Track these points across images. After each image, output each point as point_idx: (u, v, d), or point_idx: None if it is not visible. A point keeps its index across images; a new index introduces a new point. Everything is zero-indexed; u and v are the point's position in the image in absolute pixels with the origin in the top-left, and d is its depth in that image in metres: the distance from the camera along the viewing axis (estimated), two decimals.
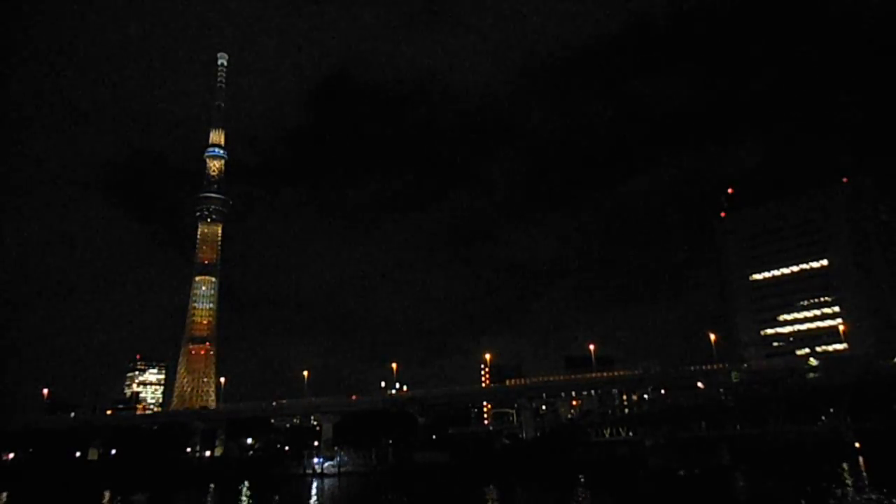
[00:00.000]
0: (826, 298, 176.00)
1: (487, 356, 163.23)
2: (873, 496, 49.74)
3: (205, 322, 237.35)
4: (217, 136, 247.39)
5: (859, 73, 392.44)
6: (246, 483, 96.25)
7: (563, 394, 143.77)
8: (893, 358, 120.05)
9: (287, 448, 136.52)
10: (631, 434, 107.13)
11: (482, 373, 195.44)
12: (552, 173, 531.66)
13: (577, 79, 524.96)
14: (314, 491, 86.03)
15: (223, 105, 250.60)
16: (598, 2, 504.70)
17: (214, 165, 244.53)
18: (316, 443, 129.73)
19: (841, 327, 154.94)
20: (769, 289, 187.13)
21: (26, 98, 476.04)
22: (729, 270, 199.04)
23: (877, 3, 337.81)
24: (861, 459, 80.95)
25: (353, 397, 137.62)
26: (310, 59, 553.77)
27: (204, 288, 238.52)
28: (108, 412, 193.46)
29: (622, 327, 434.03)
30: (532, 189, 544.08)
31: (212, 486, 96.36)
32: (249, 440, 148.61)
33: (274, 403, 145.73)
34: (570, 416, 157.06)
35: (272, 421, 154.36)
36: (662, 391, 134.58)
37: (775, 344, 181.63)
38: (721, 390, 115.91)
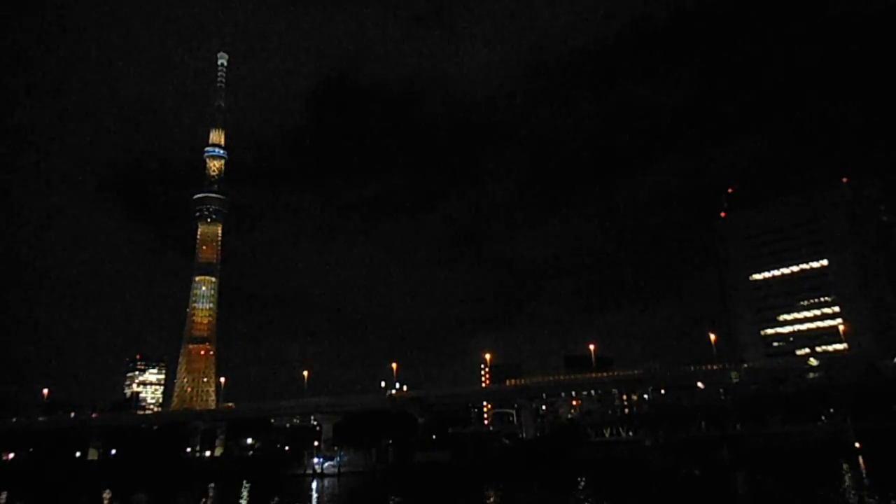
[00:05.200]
0: (826, 298, 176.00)
1: (487, 356, 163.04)
2: (873, 496, 49.72)
3: (205, 322, 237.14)
4: (217, 136, 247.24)
5: (859, 74, 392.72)
6: (246, 483, 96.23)
7: (563, 394, 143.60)
8: (893, 358, 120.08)
9: (287, 448, 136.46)
10: (631, 434, 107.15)
11: (482, 373, 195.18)
12: (552, 173, 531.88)
13: (578, 79, 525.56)
14: (314, 491, 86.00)
15: (223, 105, 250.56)
16: (598, 3, 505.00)
17: (214, 165, 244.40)
18: (316, 443, 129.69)
19: (841, 327, 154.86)
20: (769, 289, 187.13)
21: (27, 98, 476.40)
22: (729, 270, 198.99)
23: (877, 3, 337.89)
24: (861, 459, 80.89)
25: (353, 397, 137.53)
26: (310, 59, 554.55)
27: (204, 288, 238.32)
28: (108, 412, 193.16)
29: (622, 327, 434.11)
30: (532, 189, 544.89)
31: (212, 486, 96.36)
32: (249, 440, 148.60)
33: (274, 403, 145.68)
34: (570, 416, 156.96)
35: (272, 421, 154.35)
36: (662, 391, 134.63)
37: (775, 344, 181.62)
38: (721, 390, 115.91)
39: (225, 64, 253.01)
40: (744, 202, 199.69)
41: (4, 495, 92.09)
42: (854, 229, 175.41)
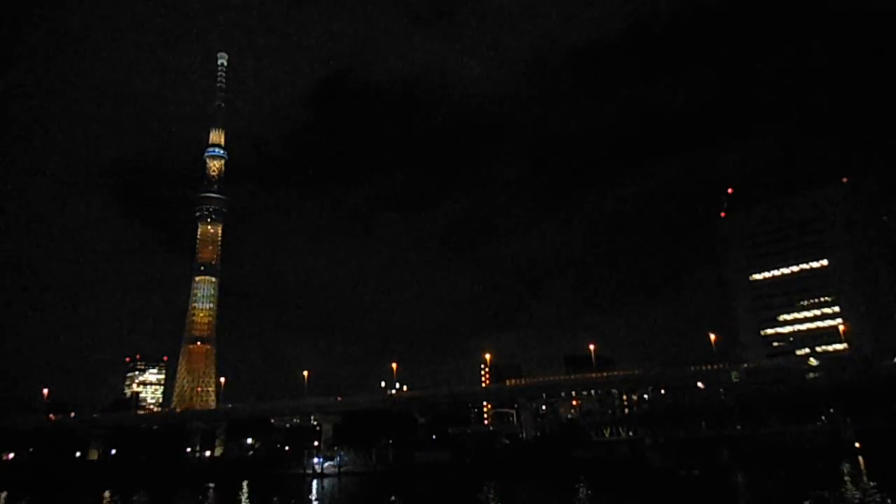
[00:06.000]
0: (826, 298, 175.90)
1: (487, 356, 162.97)
2: (873, 496, 49.72)
3: (205, 322, 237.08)
4: (217, 136, 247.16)
5: (860, 74, 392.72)
6: (246, 483, 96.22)
7: (563, 394, 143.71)
8: (893, 358, 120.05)
9: (287, 448, 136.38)
10: (631, 434, 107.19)
11: (482, 373, 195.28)
12: (552, 173, 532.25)
13: (578, 79, 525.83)
14: (314, 491, 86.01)
15: (223, 105, 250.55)
16: (599, 2, 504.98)
17: (214, 165, 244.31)
18: (316, 443, 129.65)
19: (841, 327, 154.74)
20: (769, 289, 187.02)
21: (27, 98, 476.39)
22: (729, 270, 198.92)
23: (878, 4, 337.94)
24: (861, 459, 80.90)
25: (353, 397, 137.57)
26: (310, 59, 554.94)
27: (204, 288, 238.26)
28: (108, 412, 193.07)
29: (622, 327, 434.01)
30: (532, 189, 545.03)
31: (212, 486, 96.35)
32: (249, 440, 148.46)
33: (274, 403, 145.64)
34: (570, 416, 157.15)
35: (272, 421, 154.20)
36: (662, 391, 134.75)
37: (775, 344, 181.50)
38: (721, 390, 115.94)
39: (225, 64, 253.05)
40: (744, 202, 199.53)
41: (4, 495, 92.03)
42: (854, 229, 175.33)
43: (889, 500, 46.47)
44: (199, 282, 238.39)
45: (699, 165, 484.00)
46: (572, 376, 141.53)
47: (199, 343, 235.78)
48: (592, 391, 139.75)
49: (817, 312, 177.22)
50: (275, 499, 75.77)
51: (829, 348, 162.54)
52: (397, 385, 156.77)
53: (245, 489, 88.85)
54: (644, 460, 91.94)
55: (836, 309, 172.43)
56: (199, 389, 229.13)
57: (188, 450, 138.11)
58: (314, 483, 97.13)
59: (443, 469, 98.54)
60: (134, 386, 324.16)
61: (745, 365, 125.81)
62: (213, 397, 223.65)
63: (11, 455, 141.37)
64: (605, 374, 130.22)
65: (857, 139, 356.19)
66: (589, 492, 66.16)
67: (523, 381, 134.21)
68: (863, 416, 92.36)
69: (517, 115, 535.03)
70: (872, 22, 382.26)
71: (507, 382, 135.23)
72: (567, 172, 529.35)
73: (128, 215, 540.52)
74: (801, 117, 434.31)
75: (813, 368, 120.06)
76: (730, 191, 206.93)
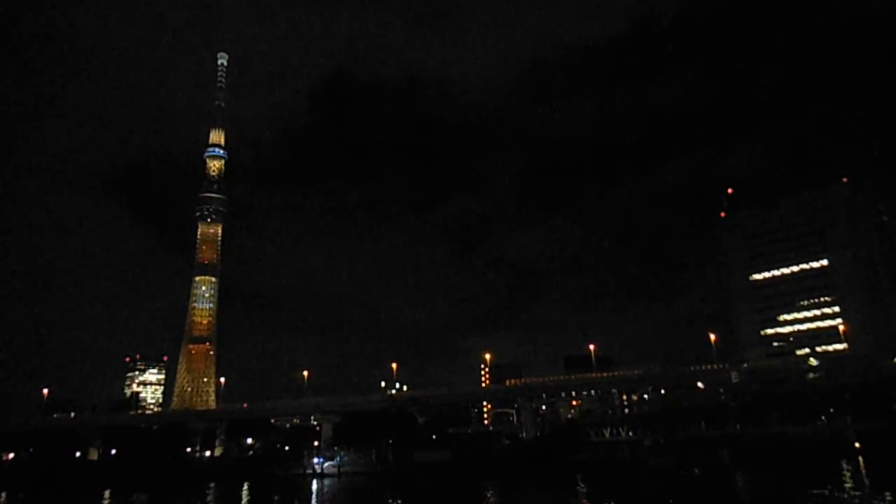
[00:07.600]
0: (826, 298, 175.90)
1: (487, 356, 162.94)
2: (873, 496, 49.73)
3: (205, 322, 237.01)
4: (217, 136, 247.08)
5: (860, 74, 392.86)
6: (246, 483, 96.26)
7: (563, 394, 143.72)
8: (893, 358, 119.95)
9: (287, 448, 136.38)
10: (631, 434, 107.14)
11: (482, 373, 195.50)
12: (553, 173, 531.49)
13: (578, 79, 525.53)
14: (314, 491, 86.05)
15: (223, 105, 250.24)
16: (599, 2, 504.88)
17: (214, 165, 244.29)
18: (316, 443, 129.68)
19: (841, 327, 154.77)
20: (769, 289, 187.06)
21: (27, 99, 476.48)
22: (729, 270, 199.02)
23: (878, 4, 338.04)
24: (861, 459, 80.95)
25: (353, 397, 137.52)
26: (310, 59, 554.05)
27: (204, 288, 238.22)
28: (108, 412, 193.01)
29: (622, 327, 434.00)
30: (532, 189, 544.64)
31: (212, 486, 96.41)
32: (249, 440, 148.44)
33: (274, 403, 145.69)
34: (570, 416, 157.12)
35: (272, 421, 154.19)
36: (662, 391, 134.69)
37: (775, 344, 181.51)
38: (721, 390, 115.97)
39: (225, 64, 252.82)
40: (744, 202, 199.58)
41: (4, 495, 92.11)
42: (854, 229, 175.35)
43: (889, 501, 46.49)
44: (199, 282, 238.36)
45: (699, 165, 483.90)
46: (572, 376, 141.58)
47: (199, 343, 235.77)
48: (592, 391, 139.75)
49: (817, 312, 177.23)
50: (275, 499, 75.83)
51: (829, 348, 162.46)
52: (397, 385, 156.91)
53: (245, 489, 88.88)
54: (644, 460, 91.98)
55: (836, 309, 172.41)
56: (200, 389, 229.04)
57: (188, 450, 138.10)
58: (314, 483, 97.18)
59: (443, 469, 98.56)
60: (134, 386, 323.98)
61: (745, 365, 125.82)
62: (213, 397, 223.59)
63: (11, 455, 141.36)
64: (605, 374, 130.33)
65: (857, 139, 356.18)
66: (589, 492, 66.19)
67: (523, 382, 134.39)
68: (863, 416, 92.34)
69: (517, 115, 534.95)
70: (872, 22, 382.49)
71: (507, 382, 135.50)
72: (567, 172, 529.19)
73: (128, 215, 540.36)
74: (802, 117, 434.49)
75: (813, 368, 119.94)
76: (730, 191, 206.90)
